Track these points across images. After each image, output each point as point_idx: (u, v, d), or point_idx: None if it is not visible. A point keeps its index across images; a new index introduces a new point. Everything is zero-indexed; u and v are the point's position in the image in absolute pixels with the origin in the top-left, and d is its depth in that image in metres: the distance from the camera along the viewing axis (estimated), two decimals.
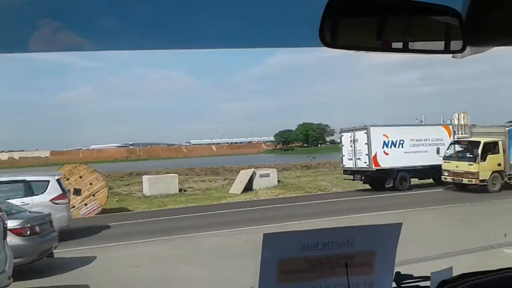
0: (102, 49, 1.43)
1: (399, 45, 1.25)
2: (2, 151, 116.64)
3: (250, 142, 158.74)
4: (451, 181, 20.72)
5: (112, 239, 12.59)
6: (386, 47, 1.24)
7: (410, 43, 1.25)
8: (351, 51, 1.23)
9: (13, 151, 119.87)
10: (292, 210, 17.15)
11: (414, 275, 1.60)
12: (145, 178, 26.43)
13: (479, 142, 20.33)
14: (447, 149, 21.57)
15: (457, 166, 20.38)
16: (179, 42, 1.41)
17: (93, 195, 18.47)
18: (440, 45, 1.28)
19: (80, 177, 19.00)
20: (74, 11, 1.33)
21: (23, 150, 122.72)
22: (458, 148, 21.73)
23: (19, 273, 7.30)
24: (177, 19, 1.30)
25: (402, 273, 1.58)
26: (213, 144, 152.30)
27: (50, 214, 9.70)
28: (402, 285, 1.59)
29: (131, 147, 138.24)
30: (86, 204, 18.41)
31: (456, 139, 22.93)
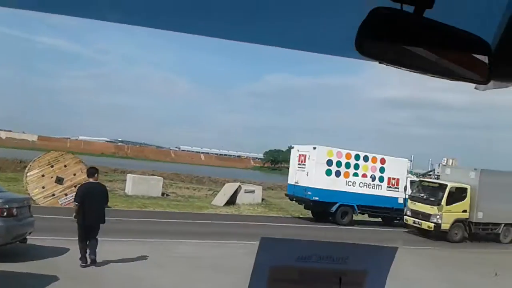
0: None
1: (426, 65, 1.25)
2: None
3: (239, 156, 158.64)
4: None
5: None
6: (414, 66, 1.25)
7: (437, 66, 1.25)
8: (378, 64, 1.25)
9: (0, 130, 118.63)
10: (271, 230, 17.04)
11: None
12: (129, 176, 26.19)
13: None
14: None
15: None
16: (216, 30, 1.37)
17: (75, 186, 18.16)
18: (465, 73, 1.28)
19: (65, 166, 18.80)
20: None
21: (10, 131, 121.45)
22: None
23: None
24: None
25: None
26: (202, 152, 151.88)
27: (29, 198, 9.57)
28: None
29: (119, 143, 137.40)
30: (66, 194, 18.14)
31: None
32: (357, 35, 1.15)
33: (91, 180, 9.45)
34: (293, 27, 1.38)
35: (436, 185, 19.89)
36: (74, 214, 9.03)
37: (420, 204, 19.33)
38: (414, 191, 20.47)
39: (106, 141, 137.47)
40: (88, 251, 8.86)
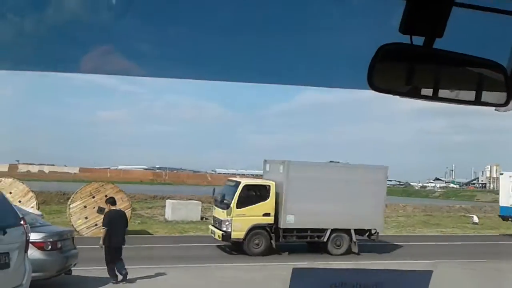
0: (139, 75, 1.47)
1: (444, 94, 1.24)
2: (33, 164, 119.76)
3: None
4: None
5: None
6: (432, 96, 1.24)
7: (455, 93, 1.25)
8: (395, 96, 1.25)
9: (43, 164, 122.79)
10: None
11: None
12: (168, 202, 26.52)
13: None
14: None
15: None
16: (227, 75, 1.43)
17: None
18: (485, 97, 1.26)
19: (106, 196, 19.15)
20: (117, 37, 1.39)
21: (53, 165, 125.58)
22: None
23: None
24: (227, 52, 1.33)
25: None
26: (238, 174, 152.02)
27: (73, 230, 9.85)
28: None
29: (157, 170, 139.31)
30: None
31: None
32: (368, 72, 1.15)
33: (113, 208, 10.99)
34: (308, 65, 1.41)
35: (233, 183, 15.91)
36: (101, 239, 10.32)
37: (217, 208, 15.80)
38: (219, 193, 16.58)
39: (144, 168, 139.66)
40: (118, 270, 10.23)
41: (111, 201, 11.32)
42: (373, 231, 15.82)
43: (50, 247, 8.33)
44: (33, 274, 7.04)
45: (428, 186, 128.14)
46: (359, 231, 15.70)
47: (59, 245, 8.55)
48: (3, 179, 19.53)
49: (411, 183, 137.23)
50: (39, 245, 8.11)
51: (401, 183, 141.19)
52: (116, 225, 10.35)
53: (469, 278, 12.51)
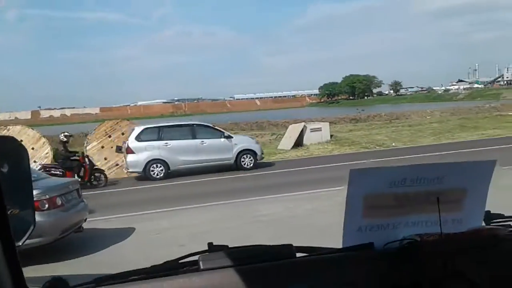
0: None
1: None
2: (55, 108, 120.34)
3: (294, 96, 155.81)
4: None
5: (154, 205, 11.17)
6: None
7: None
8: None
9: (64, 108, 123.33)
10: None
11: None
12: None
13: None
14: None
15: None
16: None
17: None
18: None
19: (123, 133, 18.00)
20: None
21: (73, 107, 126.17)
22: None
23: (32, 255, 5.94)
24: None
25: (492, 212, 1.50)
26: (257, 98, 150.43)
27: (77, 181, 8.14)
28: (492, 224, 1.50)
29: (176, 102, 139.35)
30: None
31: None
32: None
33: None
34: None
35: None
36: None
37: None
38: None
39: (163, 102, 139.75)
40: None
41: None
42: None
43: (47, 205, 6.62)
44: (32, 241, 5.57)
45: (452, 89, 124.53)
46: None
47: (58, 202, 6.85)
48: (11, 126, 18.31)
49: (434, 88, 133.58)
50: None
51: (423, 89, 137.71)
52: None
53: None
